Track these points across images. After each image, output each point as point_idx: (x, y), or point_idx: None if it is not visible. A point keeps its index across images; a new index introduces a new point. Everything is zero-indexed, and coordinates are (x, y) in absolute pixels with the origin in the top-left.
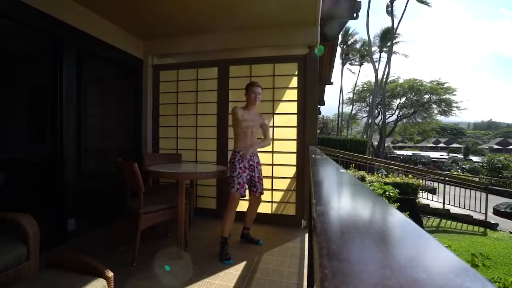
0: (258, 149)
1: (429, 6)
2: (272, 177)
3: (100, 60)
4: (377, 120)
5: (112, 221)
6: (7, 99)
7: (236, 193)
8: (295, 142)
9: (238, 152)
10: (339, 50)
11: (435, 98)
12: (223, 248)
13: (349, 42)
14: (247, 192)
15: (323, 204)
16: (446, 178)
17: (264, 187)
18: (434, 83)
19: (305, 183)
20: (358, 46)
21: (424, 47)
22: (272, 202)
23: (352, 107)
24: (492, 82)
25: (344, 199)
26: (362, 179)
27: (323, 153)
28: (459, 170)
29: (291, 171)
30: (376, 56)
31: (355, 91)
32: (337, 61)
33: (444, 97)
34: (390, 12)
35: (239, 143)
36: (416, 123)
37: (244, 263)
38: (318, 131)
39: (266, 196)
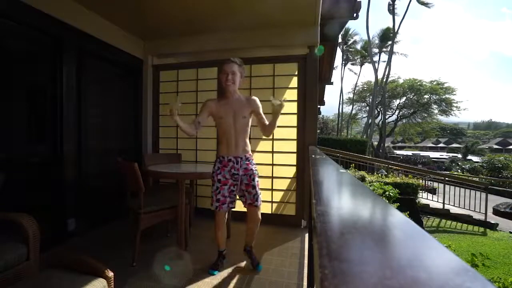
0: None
1: (428, 7)
2: (272, 177)
3: (100, 60)
4: (377, 120)
5: (112, 221)
6: (7, 99)
7: (216, 211)
8: (295, 142)
9: (218, 159)
10: (339, 50)
11: (435, 98)
12: (217, 259)
13: (349, 43)
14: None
15: (323, 204)
16: (446, 178)
17: (264, 187)
18: (434, 83)
19: (305, 183)
20: (358, 46)
21: (425, 47)
22: (272, 202)
23: (352, 107)
24: (492, 82)
25: (344, 199)
26: (362, 179)
27: (323, 153)
28: (459, 170)
29: (291, 171)
30: (376, 56)
31: (355, 91)
32: (338, 61)
33: (444, 97)
34: (391, 10)
35: (220, 147)
36: (416, 123)
37: (244, 263)
38: (318, 131)
39: (266, 196)
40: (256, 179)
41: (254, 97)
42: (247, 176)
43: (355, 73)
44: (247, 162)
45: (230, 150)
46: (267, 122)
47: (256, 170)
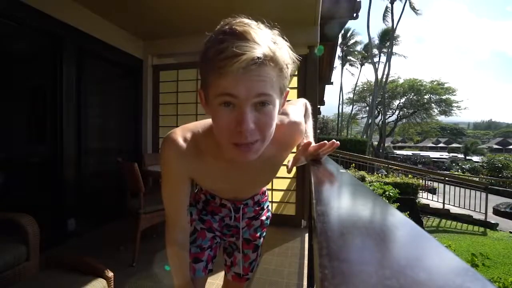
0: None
1: (417, 14)
2: None
3: (100, 60)
4: (377, 120)
5: (112, 221)
6: (7, 99)
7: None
8: None
9: (204, 196)
10: (339, 50)
11: (435, 98)
12: None
13: (350, 43)
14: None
15: (323, 204)
16: (446, 178)
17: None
18: (435, 83)
19: (305, 183)
20: (359, 47)
21: (428, 47)
22: (272, 202)
23: (352, 107)
24: (493, 82)
25: (344, 199)
26: (362, 179)
27: None
28: (459, 170)
29: (291, 171)
30: (376, 57)
31: (355, 91)
32: (338, 61)
33: (444, 97)
34: (389, 16)
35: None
36: (416, 123)
37: None
38: (318, 131)
39: None
40: (265, 233)
41: (295, 122)
42: (252, 229)
43: (353, 74)
44: (257, 208)
45: (227, 195)
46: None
47: (269, 219)
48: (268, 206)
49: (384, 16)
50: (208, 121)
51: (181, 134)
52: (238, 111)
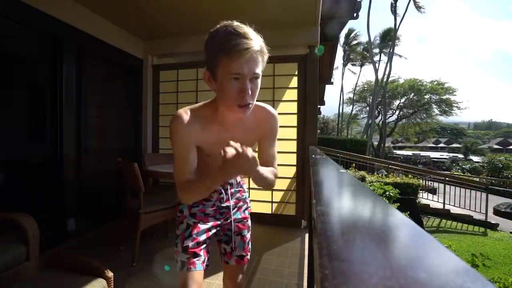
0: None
1: (420, 12)
2: None
3: (100, 60)
4: (377, 120)
5: (112, 221)
6: (7, 99)
7: (184, 274)
8: (295, 142)
9: None
10: (340, 51)
11: (435, 98)
12: None
13: (352, 44)
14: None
15: (323, 204)
16: (446, 178)
17: None
18: (435, 83)
19: (305, 183)
20: (360, 48)
21: (430, 47)
22: (272, 202)
23: (353, 107)
24: (494, 81)
25: (344, 199)
26: (362, 179)
27: (323, 153)
28: (459, 170)
29: (291, 171)
30: (377, 56)
31: (355, 91)
32: (338, 61)
33: (444, 97)
34: (393, 11)
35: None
36: (416, 123)
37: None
38: (318, 131)
39: (266, 196)
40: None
41: (274, 115)
42: (241, 211)
43: (354, 73)
44: (240, 189)
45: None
46: (265, 159)
47: (249, 200)
48: (245, 188)
49: (392, 10)
50: (203, 101)
51: (183, 110)
52: (242, 83)
